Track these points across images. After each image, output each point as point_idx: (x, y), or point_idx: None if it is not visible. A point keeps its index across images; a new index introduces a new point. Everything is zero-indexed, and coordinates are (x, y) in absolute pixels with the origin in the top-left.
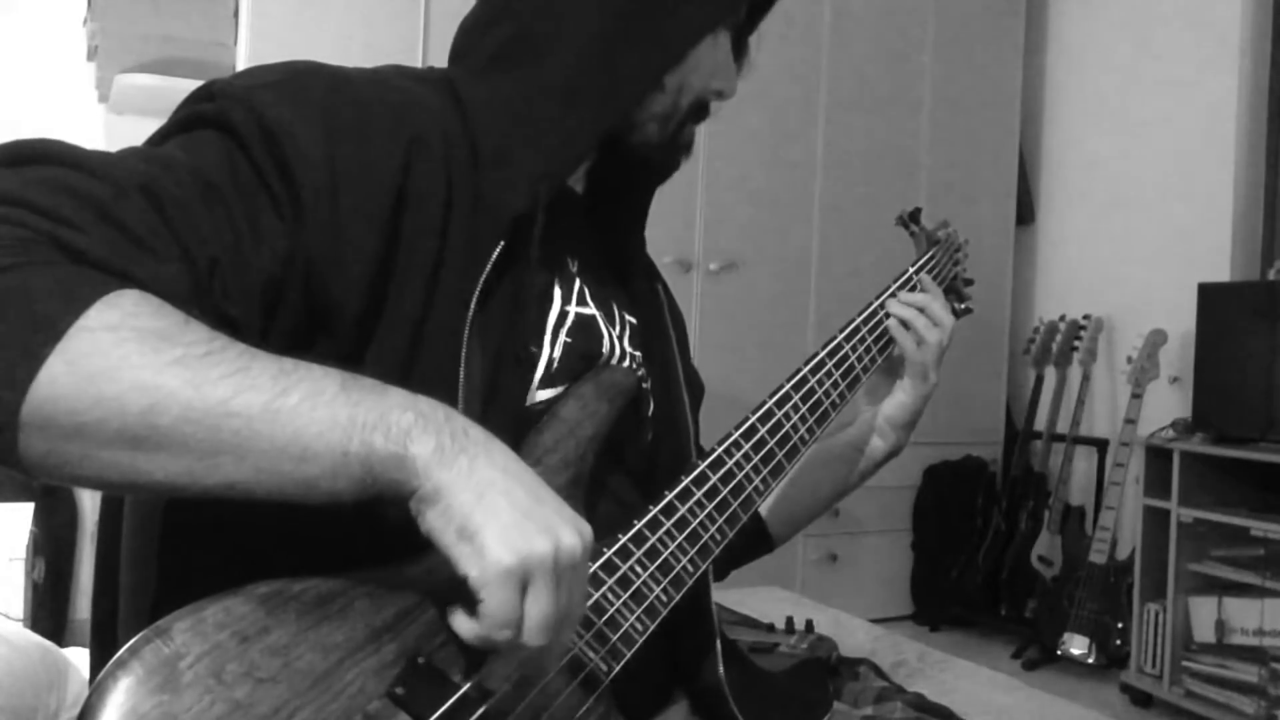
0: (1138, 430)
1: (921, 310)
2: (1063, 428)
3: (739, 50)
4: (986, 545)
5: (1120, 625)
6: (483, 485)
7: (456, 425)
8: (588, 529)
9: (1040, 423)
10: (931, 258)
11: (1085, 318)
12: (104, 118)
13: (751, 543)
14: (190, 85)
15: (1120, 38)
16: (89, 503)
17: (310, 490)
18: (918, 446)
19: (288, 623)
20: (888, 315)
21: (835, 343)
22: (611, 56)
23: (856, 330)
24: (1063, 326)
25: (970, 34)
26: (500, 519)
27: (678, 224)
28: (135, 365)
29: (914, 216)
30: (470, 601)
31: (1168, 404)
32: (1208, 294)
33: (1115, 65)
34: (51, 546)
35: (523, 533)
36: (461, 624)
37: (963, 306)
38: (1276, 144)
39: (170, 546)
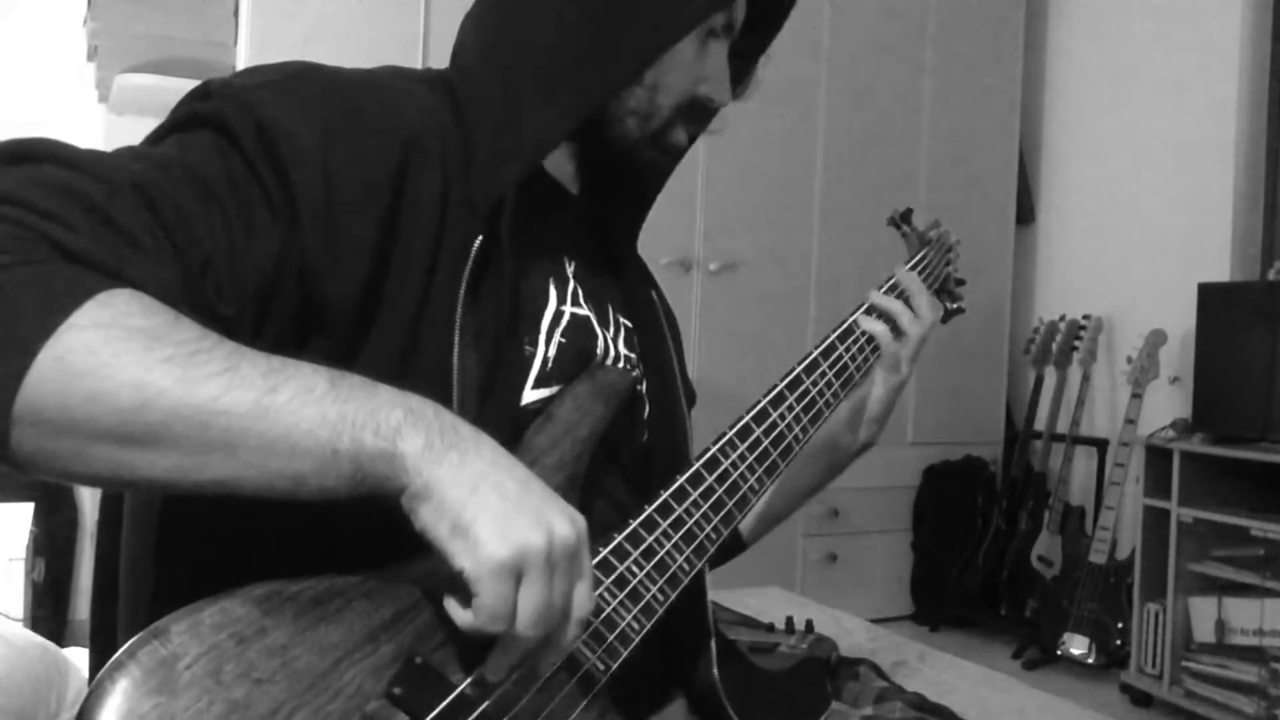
0: (1138, 430)
1: (906, 302)
2: (1063, 428)
3: (744, 68)
4: (986, 545)
5: (1120, 625)
6: (474, 480)
7: (445, 421)
8: (581, 520)
9: (1040, 423)
10: (923, 258)
11: (1085, 318)
12: (104, 118)
13: (724, 548)
14: (190, 85)
15: (1120, 38)
16: (89, 503)
17: (300, 487)
18: (918, 446)
19: (285, 623)
20: (874, 313)
21: (829, 343)
22: (589, 52)
23: (850, 330)
24: (1063, 326)
25: (970, 34)
26: (492, 512)
27: (678, 224)
28: (125, 363)
29: (905, 217)
30: (465, 595)
31: (1168, 404)
32: (1208, 294)
33: (1115, 65)
34: (51, 546)
35: (515, 525)
36: (457, 613)
37: (954, 306)
38: (1276, 144)
39: (168, 547)
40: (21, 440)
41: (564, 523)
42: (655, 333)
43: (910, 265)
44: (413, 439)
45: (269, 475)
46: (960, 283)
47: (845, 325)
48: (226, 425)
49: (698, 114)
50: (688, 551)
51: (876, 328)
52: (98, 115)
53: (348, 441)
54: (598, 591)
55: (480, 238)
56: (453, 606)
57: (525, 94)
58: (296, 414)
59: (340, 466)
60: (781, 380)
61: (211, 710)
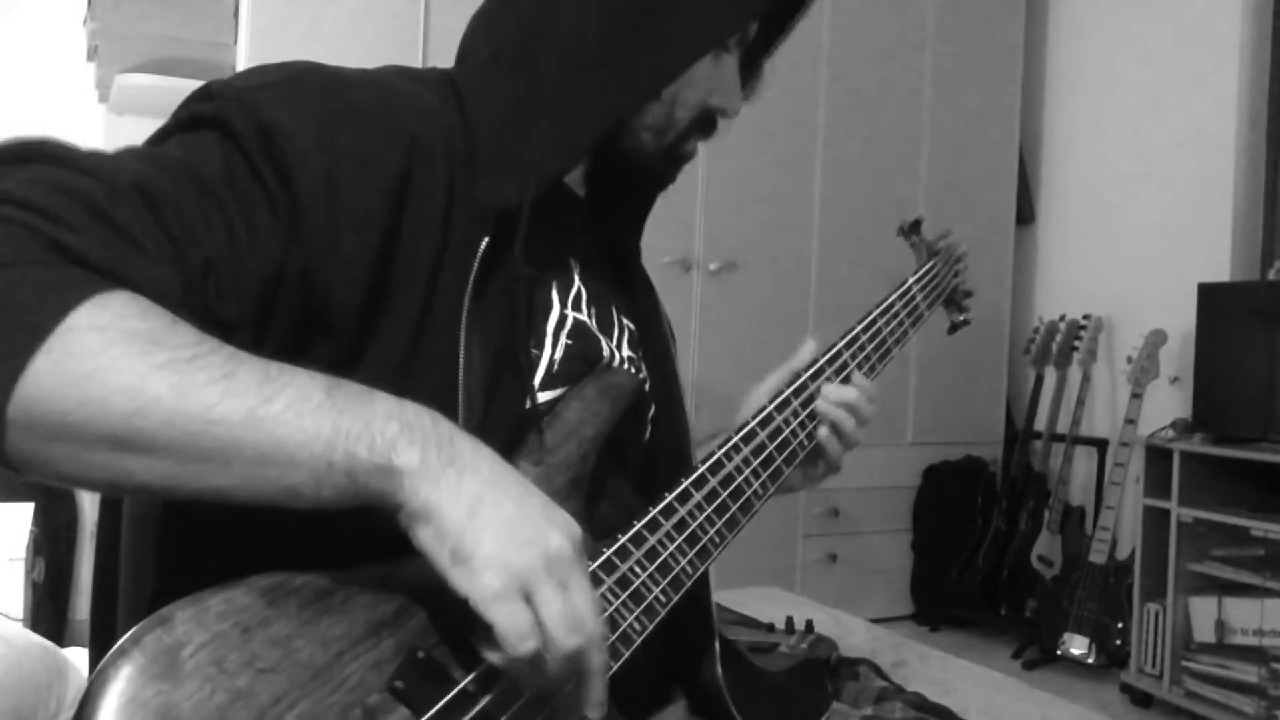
0: (1138, 430)
1: (851, 411)
2: (1063, 428)
3: (750, 72)
4: (986, 545)
5: (1120, 625)
6: (472, 502)
7: (443, 434)
8: (575, 528)
9: (1040, 423)
10: (931, 268)
11: (1085, 318)
12: (104, 118)
13: None
14: (190, 85)
15: (1120, 38)
16: (89, 503)
17: (295, 498)
18: (918, 446)
19: (289, 615)
20: (902, 322)
21: (834, 350)
22: (609, 65)
23: (856, 339)
24: (1063, 326)
25: (970, 34)
26: (490, 536)
27: (678, 224)
28: (121, 368)
29: (914, 227)
30: (482, 623)
31: (1168, 404)
32: (1208, 294)
33: (1115, 65)
34: (51, 546)
35: (512, 547)
36: (494, 656)
37: (961, 319)
38: (1276, 144)
39: (168, 547)
40: (17, 443)
41: (558, 535)
42: (658, 333)
43: (918, 276)
44: (409, 454)
45: (263, 485)
46: (967, 294)
47: (851, 334)
48: (220, 434)
49: (709, 124)
50: (691, 554)
51: (827, 439)
52: (98, 115)
53: (341, 455)
54: (599, 591)
55: (487, 240)
56: (488, 652)
57: (543, 104)
58: (291, 425)
59: (335, 479)
60: (786, 386)
61: (214, 699)
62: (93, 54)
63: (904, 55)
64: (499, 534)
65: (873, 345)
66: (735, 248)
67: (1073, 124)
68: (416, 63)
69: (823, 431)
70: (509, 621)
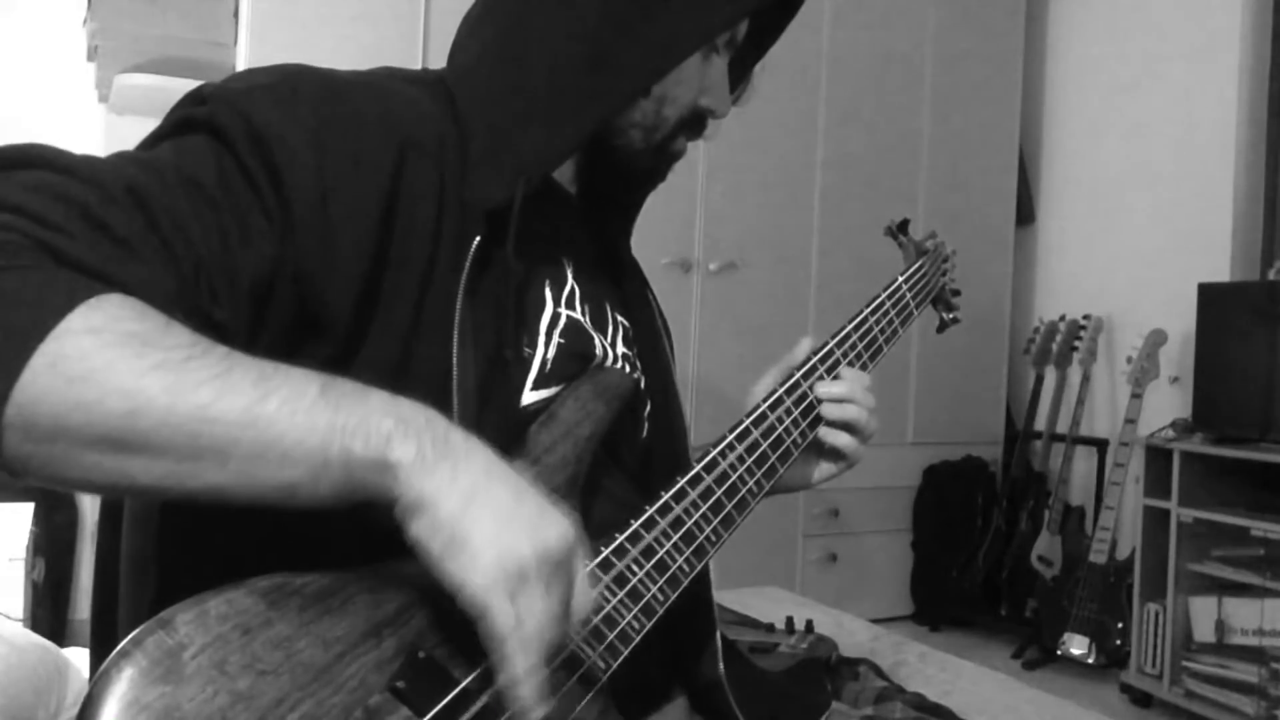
0: (1138, 430)
1: (849, 400)
2: (1063, 428)
3: (740, 75)
4: (986, 545)
5: (1120, 625)
6: (466, 494)
7: (437, 430)
8: (569, 524)
9: (1040, 423)
10: (920, 268)
11: (1085, 318)
12: (104, 118)
13: None
14: (190, 85)
15: (1120, 38)
16: (89, 503)
17: (292, 495)
18: (918, 446)
19: (289, 616)
20: (892, 321)
21: (826, 348)
22: (597, 63)
23: (847, 337)
24: (1063, 326)
25: (970, 34)
26: (485, 529)
27: (678, 224)
28: (117, 370)
29: (902, 227)
30: (472, 612)
31: (1168, 404)
32: (1208, 294)
33: (1115, 65)
34: (51, 546)
35: (508, 541)
36: (504, 675)
37: (950, 316)
38: (1276, 144)
39: (169, 547)
40: (13, 446)
41: (555, 532)
42: (652, 331)
43: (907, 275)
44: (404, 448)
45: (260, 483)
46: (956, 293)
47: (843, 333)
48: (216, 433)
49: (698, 124)
50: (687, 552)
51: (834, 436)
52: (98, 115)
53: (337, 450)
54: (596, 589)
55: (479, 239)
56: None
57: (532, 102)
58: (286, 422)
59: (331, 475)
60: (779, 384)
61: (216, 700)
62: (93, 54)
63: (904, 56)
64: (494, 525)
65: (864, 343)
66: (735, 248)
67: (1073, 124)
68: (416, 64)
69: (822, 430)
70: (505, 614)
